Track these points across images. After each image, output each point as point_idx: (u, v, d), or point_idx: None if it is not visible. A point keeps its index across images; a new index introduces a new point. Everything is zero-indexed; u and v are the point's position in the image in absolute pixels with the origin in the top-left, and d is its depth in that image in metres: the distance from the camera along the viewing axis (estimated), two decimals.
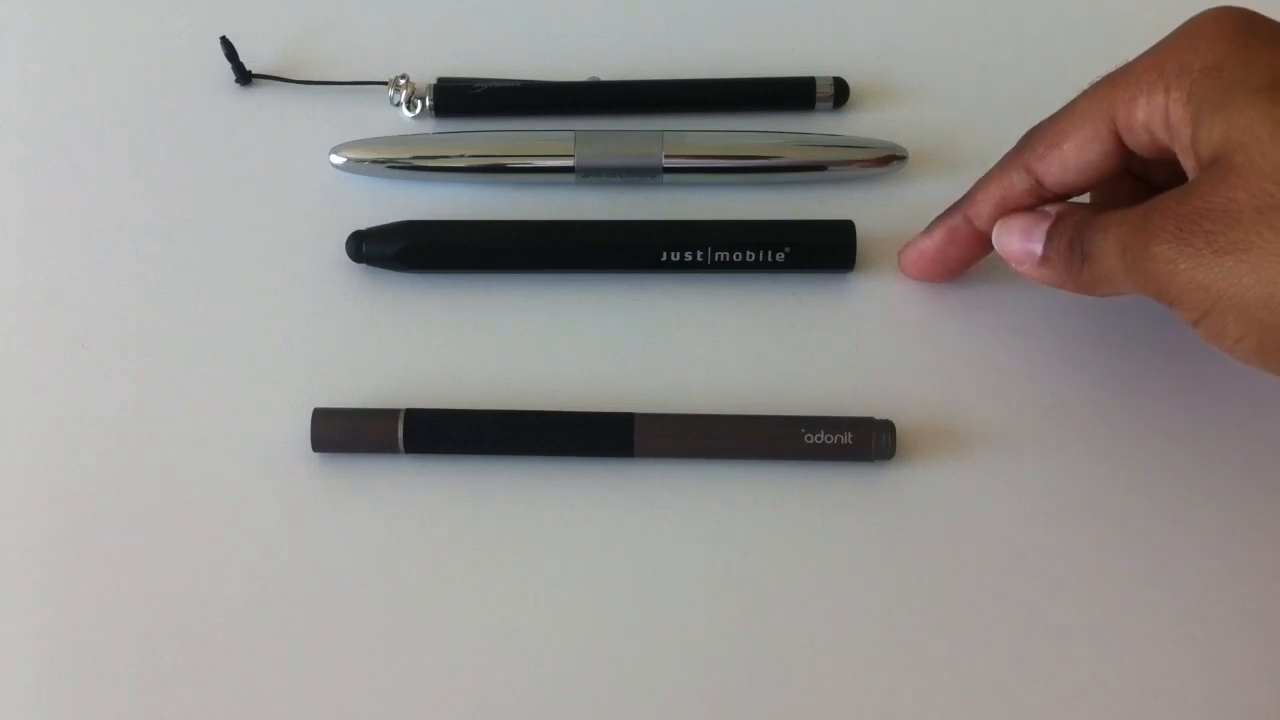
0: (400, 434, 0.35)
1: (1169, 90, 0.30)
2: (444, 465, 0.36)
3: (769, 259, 0.38)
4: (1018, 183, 0.34)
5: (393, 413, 0.36)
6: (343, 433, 0.36)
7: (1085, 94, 0.33)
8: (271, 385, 0.37)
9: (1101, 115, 0.32)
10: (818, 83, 0.42)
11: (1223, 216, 0.28)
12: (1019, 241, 0.34)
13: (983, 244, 0.36)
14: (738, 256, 0.38)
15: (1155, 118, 0.31)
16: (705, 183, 0.41)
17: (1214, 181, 0.29)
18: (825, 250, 0.39)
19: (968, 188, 0.36)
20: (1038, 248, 0.33)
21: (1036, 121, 0.34)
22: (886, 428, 0.35)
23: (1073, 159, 0.33)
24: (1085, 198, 0.36)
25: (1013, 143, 0.35)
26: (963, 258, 0.37)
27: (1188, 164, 0.30)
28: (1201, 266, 0.28)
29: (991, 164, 0.35)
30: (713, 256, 0.38)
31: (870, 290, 0.39)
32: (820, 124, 0.42)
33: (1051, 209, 0.34)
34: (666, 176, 0.40)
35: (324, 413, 0.36)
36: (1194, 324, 0.30)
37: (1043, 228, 0.33)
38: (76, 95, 0.43)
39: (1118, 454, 0.36)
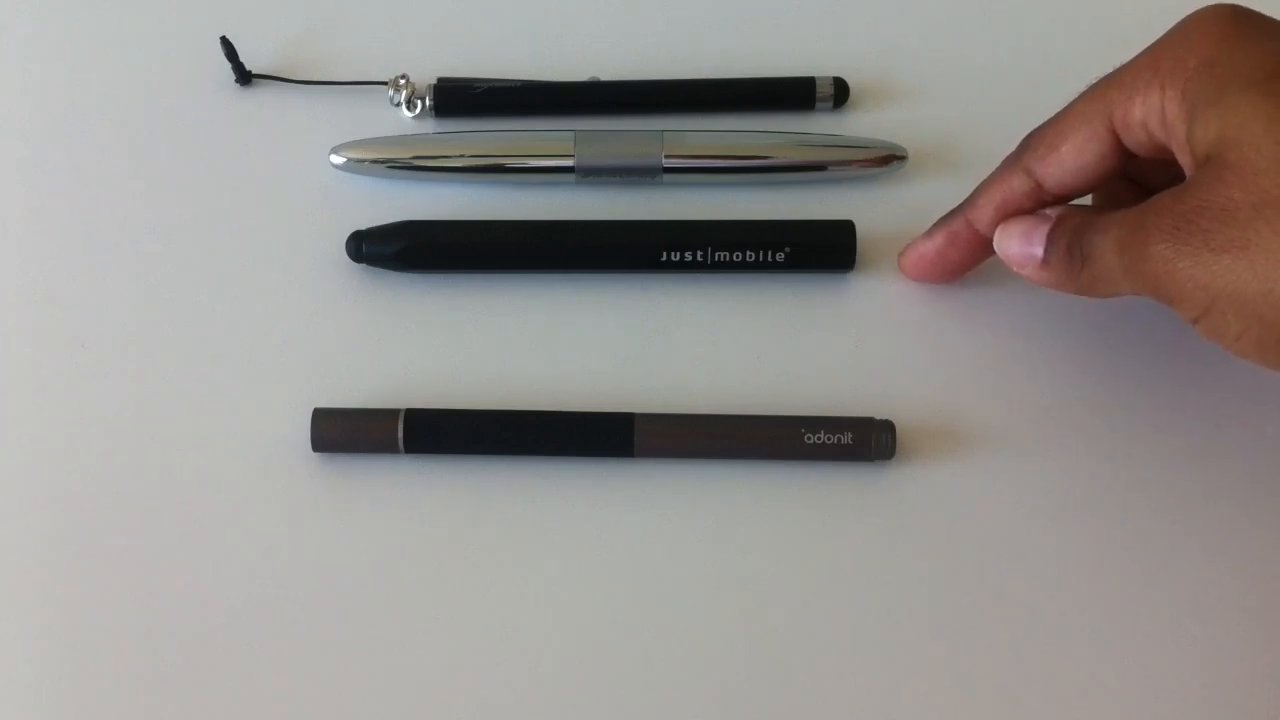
0: (400, 434, 0.35)
1: (1164, 88, 0.30)
2: (444, 465, 0.36)
3: (769, 259, 0.38)
4: (1018, 186, 0.34)
5: (393, 413, 0.36)
6: (343, 433, 0.36)
7: (1083, 96, 0.33)
8: (271, 385, 0.37)
9: (1099, 116, 0.32)
10: (818, 83, 0.42)
11: (1219, 214, 0.28)
12: (1019, 245, 0.34)
13: (983, 247, 0.36)
14: (738, 256, 0.38)
15: (1152, 116, 0.31)
16: (705, 183, 0.41)
17: (1210, 179, 0.29)
18: (825, 250, 0.39)
19: (967, 188, 0.36)
20: (1038, 251, 0.34)
21: (1036, 121, 0.34)
22: (886, 428, 0.35)
23: (1071, 160, 0.33)
24: (1088, 200, 0.36)
25: (1012, 143, 0.35)
26: (963, 261, 0.37)
27: (1184, 161, 0.30)
28: (1200, 265, 0.28)
29: (992, 164, 0.35)
30: (713, 256, 0.38)
31: (870, 290, 0.39)
32: (820, 124, 0.42)
33: (1051, 212, 0.34)
34: (666, 176, 0.40)
35: (324, 413, 0.36)
36: (1194, 322, 0.30)
37: (1043, 231, 0.33)
38: (76, 95, 0.43)
39: (1118, 454, 0.36)
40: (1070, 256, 0.32)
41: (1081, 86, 0.33)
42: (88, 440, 0.37)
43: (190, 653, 0.34)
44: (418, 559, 0.35)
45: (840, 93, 0.42)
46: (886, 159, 0.40)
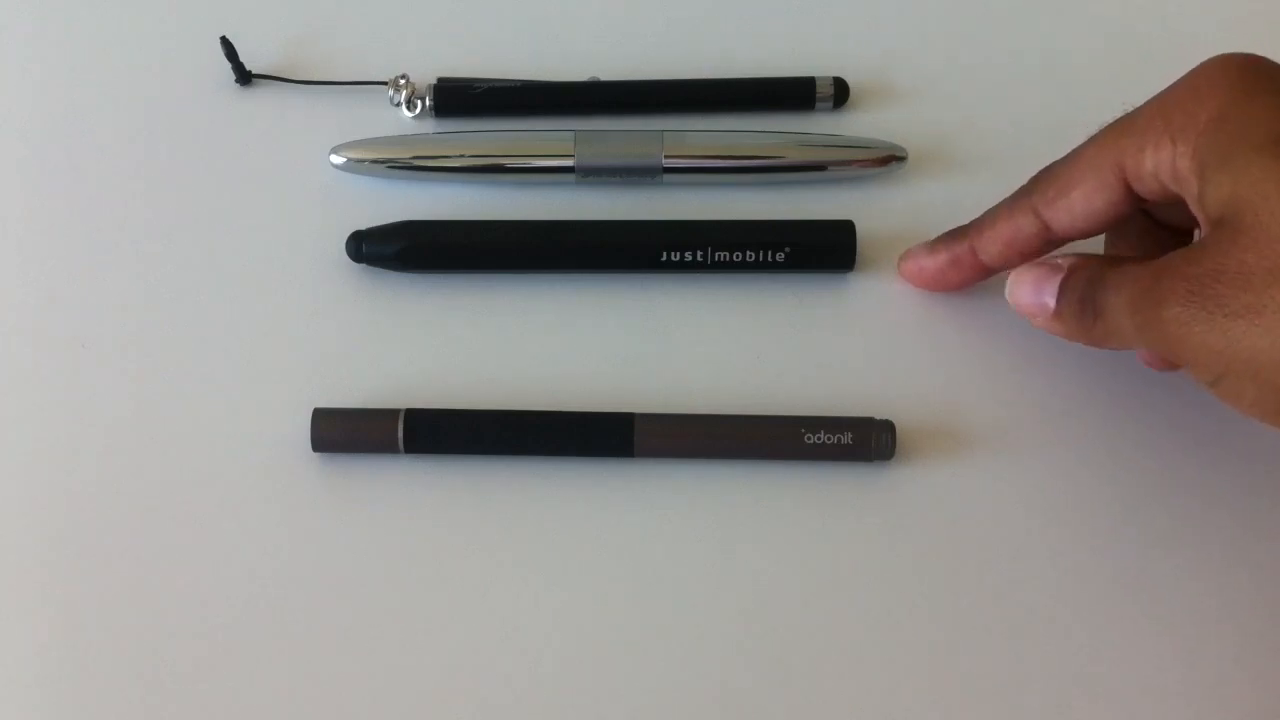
0: (400, 434, 0.35)
1: (1175, 142, 0.30)
2: (444, 465, 0.36)
3: (769, 259, 0.38)
4: (1026, 226, 0.34)
5: (393, 413, 0.36)
6: (343, 433, 0.36)
7: (1093, 141, 0.32)
8: (271, 385, 0.37)
9: (1109, 165, 0.31)
10: (818, 83, 0.42)
11: (1234, 279, 0.28)
12: (1031, 295, 0.34)
13: (985, 273, 0.36)
14: (738, 256, 0.38)
15: (1163, 169, 0.30)
16: (705, 183, 0.41)
17: (1224, 242, 0.28)
18: (825, 250, 0.39)
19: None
20: (1050, 301, 0.33)
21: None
22: (886, 428, 0.35)
23: (1080, 207, 0.32)
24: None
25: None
26: (963, 282, 0.37)
27: (1198, 215, 0.30)
28: (1215, 330, 0.28)
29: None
30: (713, 256, 0.38)
31: (870, 290, 0.39)
32: (820, 124, 0.42)
33: (1064, 261, 0.33)
34: (666, 176, 0.40)
35: (324, 413, 0.36)
36: (1209, 386, 0.29)
37: (1055, 281, 0.33)
38: (76, 95, 0.43)
39: (1117, 454, 0.36)
40: (1082, 310, 0.32)
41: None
42: (88, 440, 0.37)
43: (190, 652, 0.34)
44: (418, 559, 0.35)
45: (840, 93, 0.42)
46: (886, 159, 0.40)
